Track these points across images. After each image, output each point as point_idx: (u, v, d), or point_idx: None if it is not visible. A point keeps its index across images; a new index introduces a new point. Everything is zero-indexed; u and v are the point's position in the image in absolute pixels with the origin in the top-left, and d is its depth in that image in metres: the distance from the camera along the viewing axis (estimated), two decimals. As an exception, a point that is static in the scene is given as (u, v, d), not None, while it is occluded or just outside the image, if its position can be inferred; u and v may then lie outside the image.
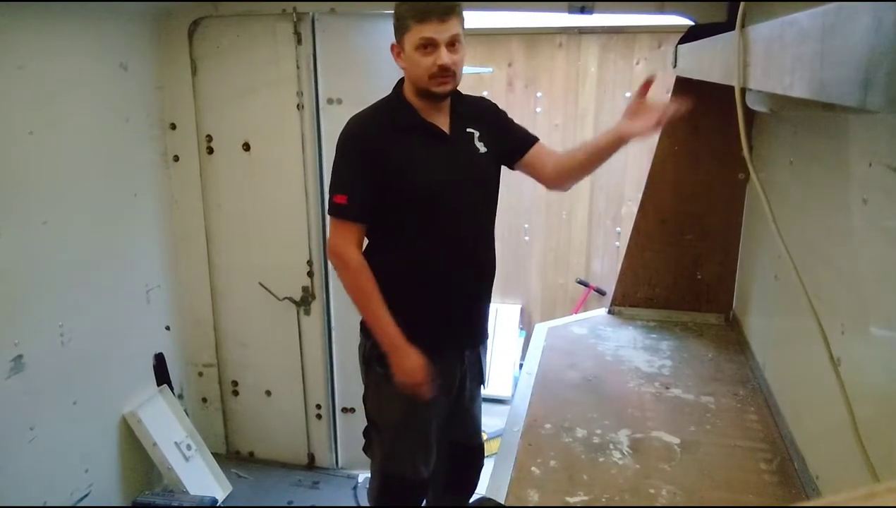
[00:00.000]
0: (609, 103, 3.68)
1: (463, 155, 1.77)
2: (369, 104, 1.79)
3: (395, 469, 1.90)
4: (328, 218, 2.59)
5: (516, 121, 1.95)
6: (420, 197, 1.72)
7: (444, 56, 1.61)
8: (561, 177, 1.89)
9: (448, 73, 1.63)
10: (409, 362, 1.73)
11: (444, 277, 1.77)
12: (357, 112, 1.78)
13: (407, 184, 1.70)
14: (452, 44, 1.62)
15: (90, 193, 2.32)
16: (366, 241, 1.81)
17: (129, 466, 2.54)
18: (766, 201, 1.10)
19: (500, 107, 1.94)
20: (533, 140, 1.90)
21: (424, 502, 2.05)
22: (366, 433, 1.98)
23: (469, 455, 2.12)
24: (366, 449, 1.99)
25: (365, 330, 1.88)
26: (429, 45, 1.60)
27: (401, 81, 1.77)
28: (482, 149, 1.80)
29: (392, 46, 1.69)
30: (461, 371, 1.89)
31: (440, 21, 1.59)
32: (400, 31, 1.64)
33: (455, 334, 1.84)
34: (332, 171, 1.75)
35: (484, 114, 1.86)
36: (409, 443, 1.88)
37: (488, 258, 1.87)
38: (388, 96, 1.78)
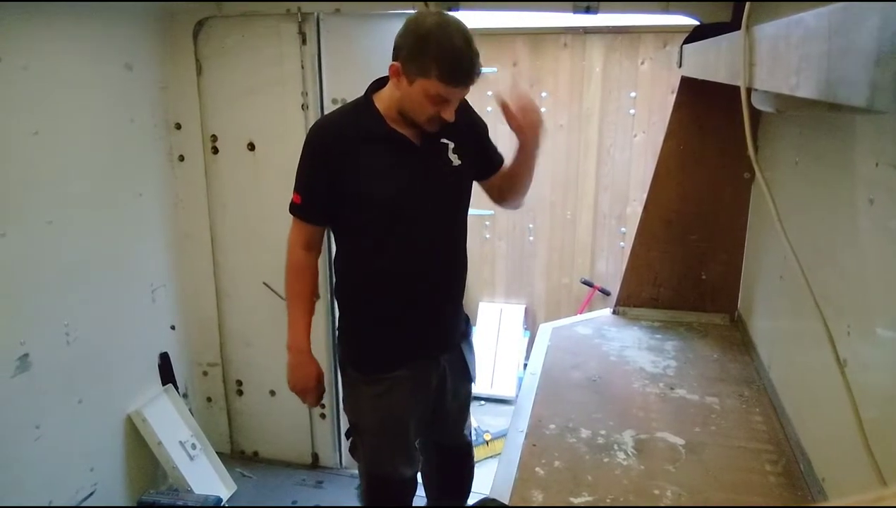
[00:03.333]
0: (614, 103, 3.67)
1: (430, 166, 1.71)
2: None
3: (378, 471, 1.90)
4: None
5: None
6: (379, 206, 1.67)
7: (451, 113, 1.58)
8: (501, 191, 1.91)
9: (444, 123, 1.61)
10: (303, 370, 1.86)
11: (406, 288, 1.74)
12: (325, 114, 1.75)
13: (365, 192, 1.65)
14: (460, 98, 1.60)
15: (95, 193, 2.33)
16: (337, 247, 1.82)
17: (134, 465, 2.55)
18: (772, 201, 1.09)
19: (484, 119, 1.89)
20: (500, 162, 1.90)
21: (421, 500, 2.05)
22: (348, 434, 1.97)
23: (456, 454, 2.11)
24: (352, 452, 1.99)
25: (340, 330, 1.90)
26: (440, 100, 1.55)
27: (374, 85, 1.72)
28: (455, 161, 1.73)
29: (394, 68, 1.56)
30: (437, 374, 1.86)
31: (464, 87, 1.55)
32: (417, 69, 1.52)
33: (422, 342, 1.81)
34: (297, 170, 1.76)
35: (463, 125, 1.76)
36: (387, 445, 1.87)
37: (455, 269, 1.83)
38: (357, 100, 1.72)
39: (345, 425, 2.94)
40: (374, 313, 1.79)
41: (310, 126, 2.59)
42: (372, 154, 1.65)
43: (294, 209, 1.76)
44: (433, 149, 1.71)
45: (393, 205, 1.67)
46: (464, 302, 1.94)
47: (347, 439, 1.98)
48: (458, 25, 1.52)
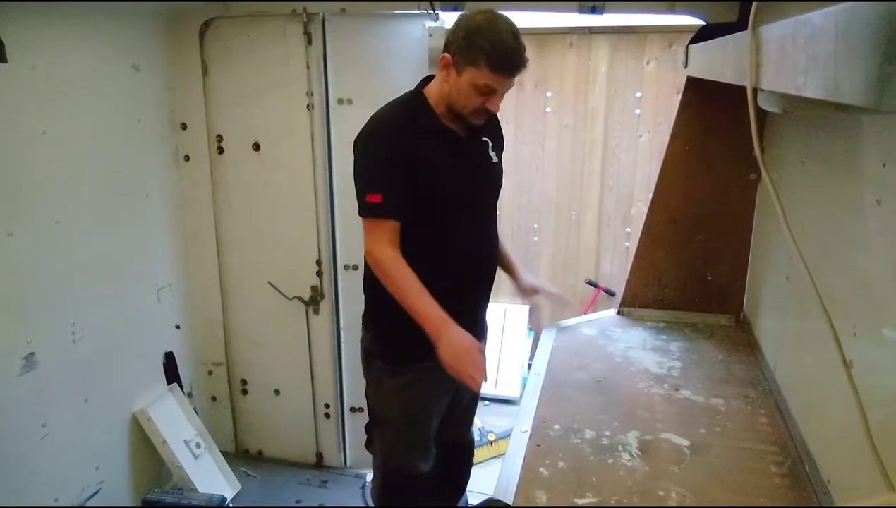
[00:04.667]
0: (619, 103, 3.66)
1: (476, 161, 1.80)
2: (379, 104, 1.79)
3: (396, 465, 1.92)
4: (337, 216, 2.60)
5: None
6: (437, 198, 1.73)
7: (496, 105, 1.65)
8: None
9: (490, 115, 1.68)
10: (459, 345, 1.61)
11: (452, 277, 1.77)
12: (377, 111, 1.76)
13: (427, 184, 1.70)
14: (505, 91, 1.66)
15: (102, 193, 2.33)
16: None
17: (139, 464, 2.56)
18: (778, 202, 1.09)
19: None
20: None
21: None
22: (367, 428, 1.99)
23: (458, 452, 2.13)
24: (368, 446, 2.01)
25: (366, 323, 1.90)
26: (487, 90, 1.62)
27: (424, 81, 1.77)
28: (494, 158, 1.84)
29: (445, 59, 1.64)
30: None
31: (510, 77, 1.61)
32: (466, 59, 1.60)
33: None
34: (361, 171, 1.69)
35: (495, 127, 1.89)
36: (409, 439, 1.90)
37: (492, 260, 1.90)
38: (407, 95, 1.77)
39: (350, 425, 2.96)
40: None
41: (315, 126, 2.62)
42: (428, 147, 1.70)
43: (375, 210, 1.65)
44: (477, 146, 1.80)
45: (445, 197, 1.73)
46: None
47: (366, 433, 2.00)
48: (507, 21, 1.62)
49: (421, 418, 1.87)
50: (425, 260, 1.75)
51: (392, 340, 1.86)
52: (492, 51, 1.57)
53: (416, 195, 1.69)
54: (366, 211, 1.67)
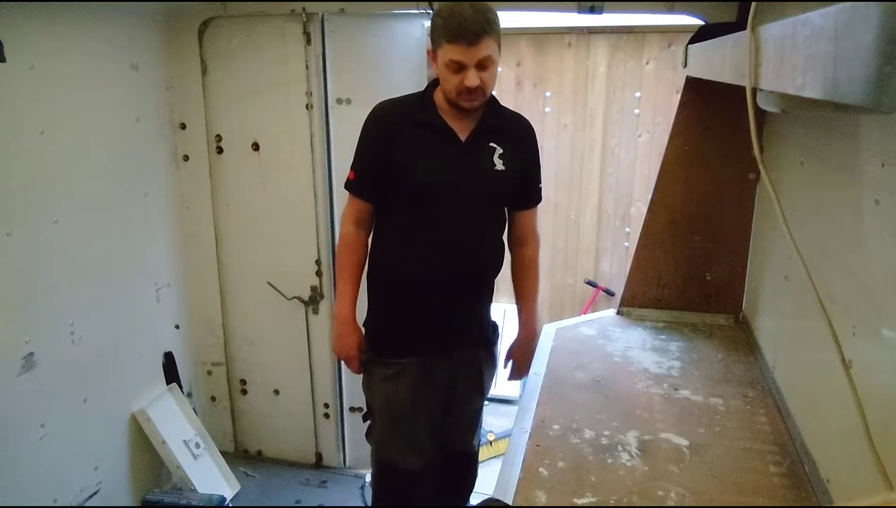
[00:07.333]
0: (618, 103, 3.66)
1: (474, 163, 1.78)
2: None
3: (387, 457, 1.94)
4: (336, 216, 2.65)
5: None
6: (413, 189, 1.75)
7: (472, 78, 1.62)
8: (511, 249, 2.01)
9: (475, 93, 1.65)
10: (347, 339, 1.89)
11: (431, 274, 1.79)
12: (388, 98, 1.83)
13: (407, 176, 1.74)
14: (483, 65, 1.63)
15: (101, 192, 2.33)
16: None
17: (139, 464, 2.56)
18: (777, 202, 1.09)
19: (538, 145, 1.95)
20: (534, 202, 1.97)
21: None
22: (365, 417, 2.02)
23: (459, 460, 2.11)
24: (367, 436, 2.03)
25: (366, 315, 1.93)
26: (458, 66, 1.62)
27: (436, 80, 1.80)
28: (500, 166, 1.80)
29: (428, 51, 1.72)
30: (450, 368, 1.90)
31: (469, 45, 1.59)
32: (434, 42, 1.66)
33: (430, 334, 1.86)
34: (355, 148, 1.84)
35: (518, 137, 1.86)
36: (396, 431, 1.91)
37: (483, 263, 1.87)
38: (419, 91, 1.83)
39: (349, 425, 2.96)
40: (392, 297, 1.86)
41: (314, 126, 2.62)
42: (417, 139, 1.73)
43: (348, 185, 1.85)
44: (478, 148, 1.78)
45: (426, 190, 1.74)
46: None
47: (364, 422, 2.02)
48: (473, 1, 1.61)
49: (405, 413, 1.88)
50: (403, 246, 1.80)
51: (379, 331, 1.90)
52: (446, 23, 1.60)
53: (396, 182, 1.75)
54: (345, 184, 1.86)
